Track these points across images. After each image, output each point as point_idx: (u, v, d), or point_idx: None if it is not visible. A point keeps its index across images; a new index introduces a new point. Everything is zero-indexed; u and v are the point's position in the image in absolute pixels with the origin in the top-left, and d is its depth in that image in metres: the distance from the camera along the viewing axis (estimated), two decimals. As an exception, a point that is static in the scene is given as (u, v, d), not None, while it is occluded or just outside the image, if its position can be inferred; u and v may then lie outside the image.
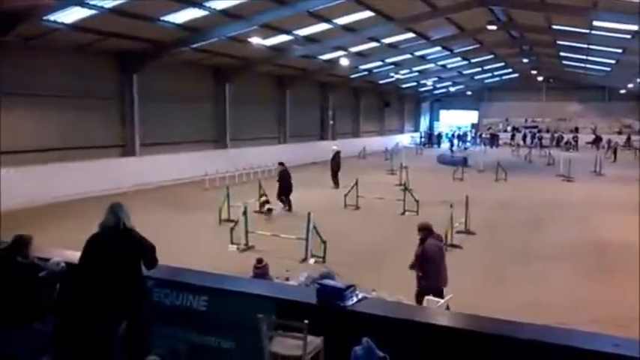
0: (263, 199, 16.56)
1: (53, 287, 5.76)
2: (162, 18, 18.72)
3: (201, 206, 17.31)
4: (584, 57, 34.74)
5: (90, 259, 5.14)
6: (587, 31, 25.22)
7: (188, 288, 5.74)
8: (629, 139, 47.40)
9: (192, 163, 23.53)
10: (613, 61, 33.34)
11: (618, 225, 14.80)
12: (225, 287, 5.78)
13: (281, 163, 17.86)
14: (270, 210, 16.10)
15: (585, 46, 30.02)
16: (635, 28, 21.46)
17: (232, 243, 12.25)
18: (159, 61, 22.28)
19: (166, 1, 17.10)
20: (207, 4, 18.14)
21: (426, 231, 7.53)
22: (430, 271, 7.34)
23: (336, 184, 21.96)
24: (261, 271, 7.37)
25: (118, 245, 5.10)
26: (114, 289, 5.07)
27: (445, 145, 50.19)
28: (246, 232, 12.20)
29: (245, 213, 12.24)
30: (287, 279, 8.13)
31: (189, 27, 20.06)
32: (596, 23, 23.21)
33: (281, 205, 16.97)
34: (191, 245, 11.99)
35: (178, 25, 19.63)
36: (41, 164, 18.15)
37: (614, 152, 37.57)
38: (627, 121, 51.41)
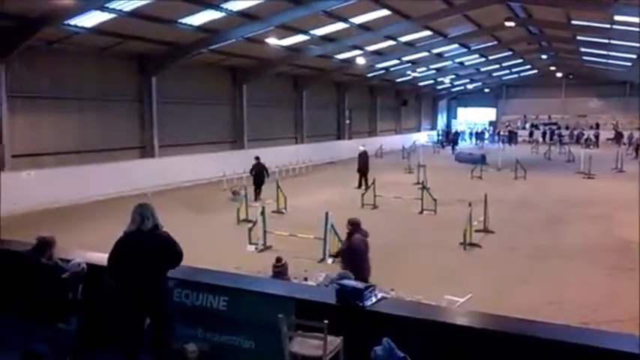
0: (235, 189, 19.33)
1: (76, 288, 5.86)
2: (180, 20, 18.90)
3: (220, 206, 17.46)
4: (604, 52, 34.13)
5: (120, 259, 5.19)
6: (608, 25, 24.77)
7: (208, 288, 5.79)
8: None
9: (210, 163, 23.65)
10: (634, 56, 32.70)
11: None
12: (244, 287, 5.81)
13: (257, 158, 19.36)
14: (235, 192, 18.50)
15: (606, 41, 29.44)
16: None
17: (250, 243, 12.33)
18: (177, 63, 22.47)
19: (184, 3, 17.24)
20: (224, 6, 18.25)
21: (354, 225, 7.88)
22: (355, 263, 7.58)
23: (361, 185, 20.83)
24: (280, 269, 7.41)
25: (148, 245, 5.14)
26: (140, 288, 5.13)
27: (463, 144, 48.47)
28: (264, 232, 12.26)
29: (263, 213, 12.32)
30: (305, 279, 8.15)
31: (206, 29, 20.19)
32: (617, 18, 22.80)
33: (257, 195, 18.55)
34: (210, 245, 12.05)
35: (196, 27, 19.78)
36: (62, 166, 18.43)
37: (636, 149, 36.90)
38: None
